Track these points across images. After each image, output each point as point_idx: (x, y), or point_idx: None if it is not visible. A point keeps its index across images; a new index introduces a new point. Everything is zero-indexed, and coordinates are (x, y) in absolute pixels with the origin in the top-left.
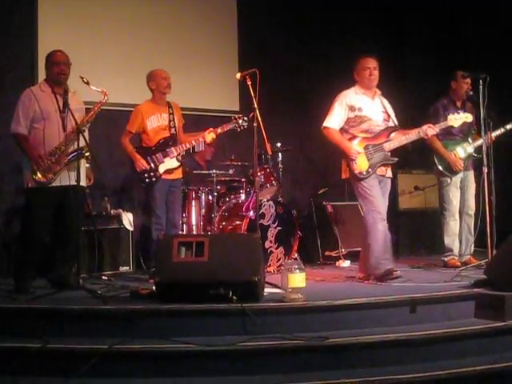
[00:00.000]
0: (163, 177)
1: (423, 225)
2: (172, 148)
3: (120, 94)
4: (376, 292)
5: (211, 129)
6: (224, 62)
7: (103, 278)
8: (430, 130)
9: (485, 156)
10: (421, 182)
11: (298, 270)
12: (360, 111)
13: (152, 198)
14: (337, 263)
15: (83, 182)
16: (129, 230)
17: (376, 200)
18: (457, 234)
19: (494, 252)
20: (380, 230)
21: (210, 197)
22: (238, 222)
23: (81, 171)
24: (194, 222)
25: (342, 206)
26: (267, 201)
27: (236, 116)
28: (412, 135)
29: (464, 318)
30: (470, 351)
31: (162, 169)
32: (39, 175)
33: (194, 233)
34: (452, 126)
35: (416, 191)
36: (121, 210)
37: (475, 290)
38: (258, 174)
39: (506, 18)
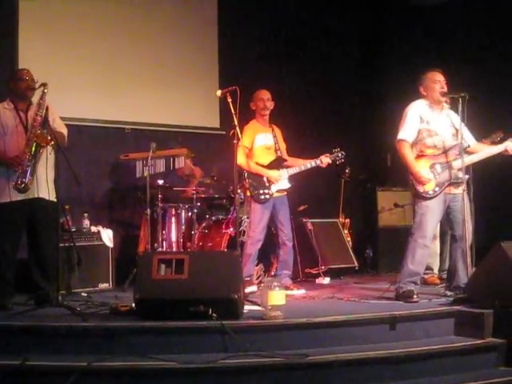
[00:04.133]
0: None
1: (403, 242)
2: (284, 169)
3: (99, 111)
4: (356, 309)
5: (328, 154)
6: (204, 79)
7: (83, 294)
8: None
9: (463, 174)
10: (400, 199)
11: (277, 288)
12: (428, 124)
13: (255, 214)
14: (317, 280)
15: (52, 197)
16: (108, 247)
17: (428, 225)
18: (438, 253)
19: (474, 270)
20: (418, 254)
21: (190, 213)
22: (217, 239)
23: (49, 185)
24: (173, 238)
25: (321, 223)
26: (247, 218)
27: (336, 149)
28: (493, 149)
29: (443, 335)
30: (450, 368)
31: (274, 189)
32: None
33: (174, 250)
34: None
35: (395, 208)
36: (100, 227)
37: (455, 307)
38: (238, 191)
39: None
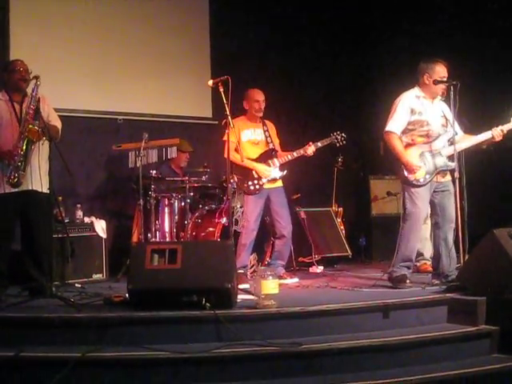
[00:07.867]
0: (265, 186)
1: (395, 230)
2: (274, 159)
3: (92, 101)
4: (349, 298)
5: (311, 142)
6: (196, 68)
7: (76, 285)
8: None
9: (456, 161)
10: (393, 187)
11: (270, 277)
12: (420, 115)
13: (247, 205)
14: (310, 269)
15: (45, 189)
16: (102, 238)
17: (419, 211)
18: (428, 237)
19: (466, 257)
20: (412, 239)
21: (183, 203)
22: (211, 229)
23: (42, 177)
24: (167, 228)
25: (315, 212)
26: (240, 207)
27: (336, 132)
28: (480, 137)
29: (437, 323)
30: (443, 356)
31: (264, 179)
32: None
33: (167, 240)
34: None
35: (388, 196)
36: (94, 218)
37: (448, 295)
38: (231, 180)
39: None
